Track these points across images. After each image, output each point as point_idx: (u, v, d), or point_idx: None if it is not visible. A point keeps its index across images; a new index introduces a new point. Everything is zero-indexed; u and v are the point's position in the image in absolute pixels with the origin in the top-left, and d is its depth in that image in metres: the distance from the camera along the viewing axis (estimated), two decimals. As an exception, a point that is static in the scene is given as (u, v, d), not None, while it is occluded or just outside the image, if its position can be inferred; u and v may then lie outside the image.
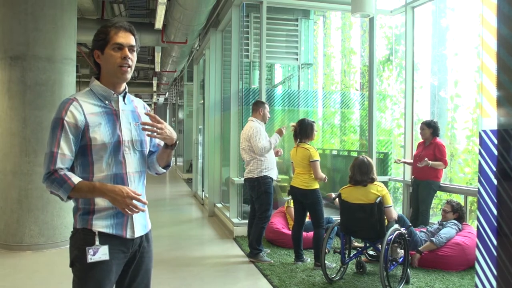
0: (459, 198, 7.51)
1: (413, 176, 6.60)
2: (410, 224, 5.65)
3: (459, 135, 8.23)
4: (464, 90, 8.09)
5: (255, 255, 5.80)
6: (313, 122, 5.63)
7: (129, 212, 2.08)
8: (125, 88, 2.31)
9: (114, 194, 2.06)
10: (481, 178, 2.35)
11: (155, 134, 2.20)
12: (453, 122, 8.25)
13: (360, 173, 4.74)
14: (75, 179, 2.09)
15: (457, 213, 5.79)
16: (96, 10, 9.89)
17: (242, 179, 6.32)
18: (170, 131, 2.25)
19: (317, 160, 5.38)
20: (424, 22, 8.17)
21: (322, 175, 5.40)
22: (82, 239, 2.15)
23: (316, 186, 5.44)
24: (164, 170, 2.47)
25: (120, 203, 2.07)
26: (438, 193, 6.96)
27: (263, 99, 6.95)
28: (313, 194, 5.39)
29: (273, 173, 5.94)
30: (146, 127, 2.19)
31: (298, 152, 5.51)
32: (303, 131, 5.54)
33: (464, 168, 8.08)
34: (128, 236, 2.22)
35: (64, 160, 2.12)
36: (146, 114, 2.25)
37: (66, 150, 2.12)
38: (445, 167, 6.42)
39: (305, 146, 5.47)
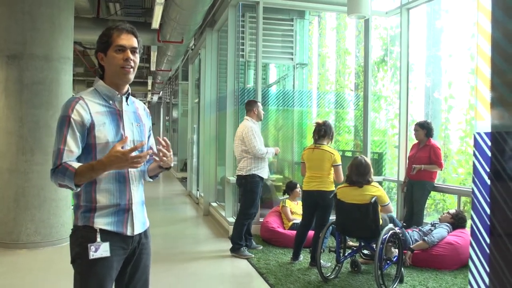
0: (452, 199, 7.60)
1: (407, 177, 6.66)
2: (404, 224, 5.73)
3: (452, 136, 8.32)
4: (458, 91, 8.18)
5: (236, 250, 5.96)
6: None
7: (139, 166, 2.13)
8: (128, 90, 2.37)
9: (115, 164, 2.08)
10: (475, 179, 2.43)
11: (164, 159, 2.32)
12: (447, 123, 8.34)
13: (357, 174, 4.78)
14: (75, 164, 2.12)
15: (453, 220, 5.88)
16: (92, 9, 9.89)
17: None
18: (171, 159, 2.38)
19: (341, 164, 5.38)
20: (418, 23, 8.26)
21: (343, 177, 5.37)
22: (83, 236, 2.21)
23: (333, 187, 5.38)
24: (151, 180, 2.55)
25: (126, 165, 2.09)
26: (432, 193, 7.03)
27: (259, 99, 7.01)
28: (329, 195, 5.31)
29: (264, 172, 6.05)
30: (162, 151, 2.31)
31: (317, 154, 5.44)
32: (329, 131, 5.48)
33: (457, 168, 8.17)
34: (128, 233, 2.29)
35: (71, 156, 2.16)
36: (163, 139, 2.32)
37: (73, 147, 2.16)
38: (441, 170, 6.48)
39: (328, 149, 5.41)
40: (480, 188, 2.37)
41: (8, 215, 6.24)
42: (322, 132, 5.48)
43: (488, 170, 2.35)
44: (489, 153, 2.35)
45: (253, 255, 5.90)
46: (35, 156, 6.19)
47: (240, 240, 5.98)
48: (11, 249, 6.15)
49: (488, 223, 2.33)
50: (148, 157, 2.20)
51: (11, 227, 6.22)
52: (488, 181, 2.35)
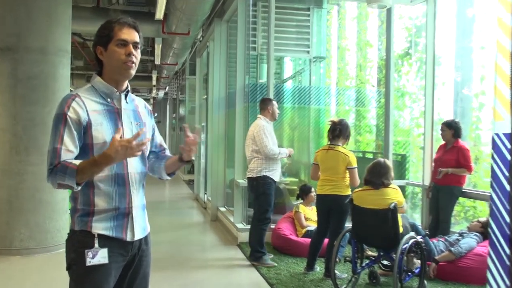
0: (483, 206, 7.55)
1: (433, 182, 6.64)
2: (427, 233, 5.72)
3: (484, 136, 8.24)
4: (491, 87, 8.11)
5: (258, 258, 5.99)
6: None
7: (139, 153, 2.17)
8: (127, 87, 2.42)
9: (121, 154, 2.11)
10: (494, 184, 2.45)
11: (193, 149, 2.40)
12: (478, 122, 8.27)
13: (371, 174, 4.82)
14: (76, 161, 2.16)
15: (484, 229, 5.84)
16: (92, -3, 10.02)
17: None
18: (195, 150, 2.45)
19: (356, 167, 5.42)
20: (447, 12, 8.20)
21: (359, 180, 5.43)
22: (80, 241, 2.25)
23: (349, 192, 5.40)
24: (169, 178, 2.61)
25: (130, 154, 2.12)
26: (461, 199, 7.00)
27: (271, 95, 7.05)
28: (345, 200, 5.33)
29: (276, 175, 6.10)
30: (190, 139, 2.38)
31: (331, 156, 5.47)
32: (344, 130, 5.51)
33: (489, 172, 8.09)
34: (128, 238, 2.32)
35: (69, 155, 2.19)
36: (198, 129, 2.36)
37: (70, 146, 2.20)
38: (470, 173, 6.43)
39: (343, 151, 5.43)
40: (499, 193, 2.39)
41: (0, 219, 6.32)
42: (337, 131, 5.50)
43: (507, 174, 2.37)
44: (509, 156, 2.37)
45: (276, 264, 5.94)
46: (30, 155, 6.28)
47: (261, 247, 6.03)
48: (3, 255, 6.22)
49: (508, 232, 2.34)
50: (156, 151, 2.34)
51: (3, 232, 6.30)
52: (508, 187, 2.37)
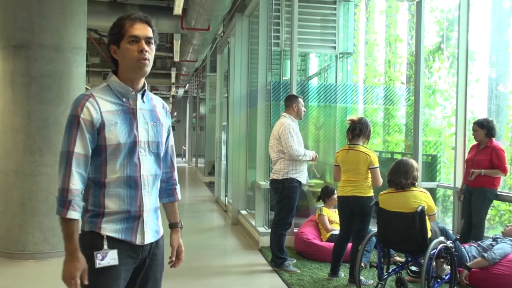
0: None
1: (464, 183, 6.58)
2: (457, 237, 5.69)
3: (521, 135, 8.16)
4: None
5: (280, 265, 6.02)
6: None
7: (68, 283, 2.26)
8: (144, 85, 2.46)
9: (68, 268, 2.24)
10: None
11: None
12: (515, 121, 8.19)
13: (392, 172, 4.84)
14: (73, 213, 2.24)
15: None
16: (109, -8, 10.16)
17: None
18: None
19: (378, 167, 5.43)
20: (481, 4, 8.14)
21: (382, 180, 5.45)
22: (89, 242, 2.31)
23: (372, 193, 5.45)
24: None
25: (66, 277, 2.24)
26: (496, 202, 6.92)
27: (294, 93, 7.05)
28: (368, 202, 5.35)
29: (302, 177, 6.10)
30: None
31: (352, 156, 5.50)
32: (365, 129, 5.52)
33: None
34: (138, 242, 2.38)
35: (80, 160, 2.26)
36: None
37: (82, 150, 2.26)
38: (505, 175, 6.36)
39: (364, 150, 5.45)
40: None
41: (13, 222, 6.40)
42: (357, 130, 5.51)
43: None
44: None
45: (298, 271, 5.97)
46: (43, 156, 6.35)
47: (282, 253, 6.05)
48: (16, 260, 6.31)
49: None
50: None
51: (16, 235, 6.38)
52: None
